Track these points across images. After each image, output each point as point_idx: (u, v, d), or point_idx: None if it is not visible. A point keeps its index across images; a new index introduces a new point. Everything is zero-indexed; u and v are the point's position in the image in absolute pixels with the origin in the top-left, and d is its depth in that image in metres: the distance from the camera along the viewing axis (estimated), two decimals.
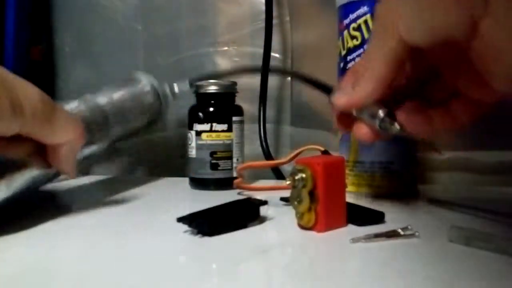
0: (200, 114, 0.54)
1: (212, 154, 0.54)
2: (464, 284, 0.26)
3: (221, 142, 0.54)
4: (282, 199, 0.45)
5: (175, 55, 0.72)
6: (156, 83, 0.57)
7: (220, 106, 0.55)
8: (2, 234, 0.35)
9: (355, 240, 0.32)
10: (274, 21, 0.67)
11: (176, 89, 0.56)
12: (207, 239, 0.34)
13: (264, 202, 0.39)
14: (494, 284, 0.26)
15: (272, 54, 0.66)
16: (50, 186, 0.50)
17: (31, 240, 0.35)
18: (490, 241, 0.30)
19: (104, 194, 0.55)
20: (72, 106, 0.48)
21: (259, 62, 0.66)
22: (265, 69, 0.66)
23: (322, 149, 0.49)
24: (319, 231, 0.35)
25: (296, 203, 0.35)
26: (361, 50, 0.48)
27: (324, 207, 0.34)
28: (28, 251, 0.32)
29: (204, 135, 0.54)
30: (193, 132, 0.55)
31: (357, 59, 0.48)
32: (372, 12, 0.47)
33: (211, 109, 0.54)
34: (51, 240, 0.35)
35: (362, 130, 0.35)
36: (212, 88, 0.55)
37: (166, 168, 0.70)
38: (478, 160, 0.60)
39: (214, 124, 0.54)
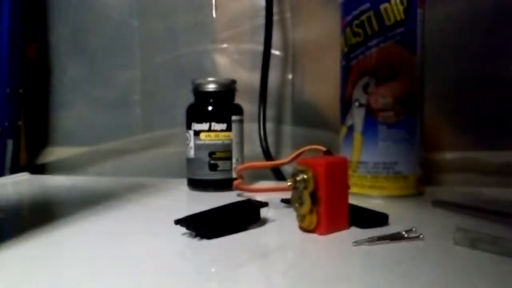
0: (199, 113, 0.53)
1: (211, 154, 0.53)
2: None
3: (220, 142, 0.53)
4: (283, 200, 0.44)
5: (173, 52, 0.71)
6: None
7: (219, 105, 0.54)
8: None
9: (358, 243, 0.32)
10: (275, 17, 0.66)
11: None
12: (205, 242, 0.33)
13: (265, 204, 0.38)
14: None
15: (273, 51, 0.66)
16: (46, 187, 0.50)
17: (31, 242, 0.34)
18: (496, 244, 0.29)
19: (101, 195, 0.54)
20: None
21: (259, 60, 0.65)
22: (265, 67, 0.65)
23: (324, 149, 0.48)
24: (321, 233, 0.34)
25: (297, 205, 0.35)
26: (364, 47, 0.47)
27: (326, 209, 0.34)
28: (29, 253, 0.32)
29: (202, 135, 0.53)
30: (191, 132, 0.54)
31: (360, 57, 0.47)
32: (375, 9, 0.46)
33: (210, 108, 0.53)
34: (49, 241, 0.34)
35: None
36: (211, 87, 0.54)
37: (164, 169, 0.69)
38: (485, 161, 0.59)
39: (213, 124, 0.53)
